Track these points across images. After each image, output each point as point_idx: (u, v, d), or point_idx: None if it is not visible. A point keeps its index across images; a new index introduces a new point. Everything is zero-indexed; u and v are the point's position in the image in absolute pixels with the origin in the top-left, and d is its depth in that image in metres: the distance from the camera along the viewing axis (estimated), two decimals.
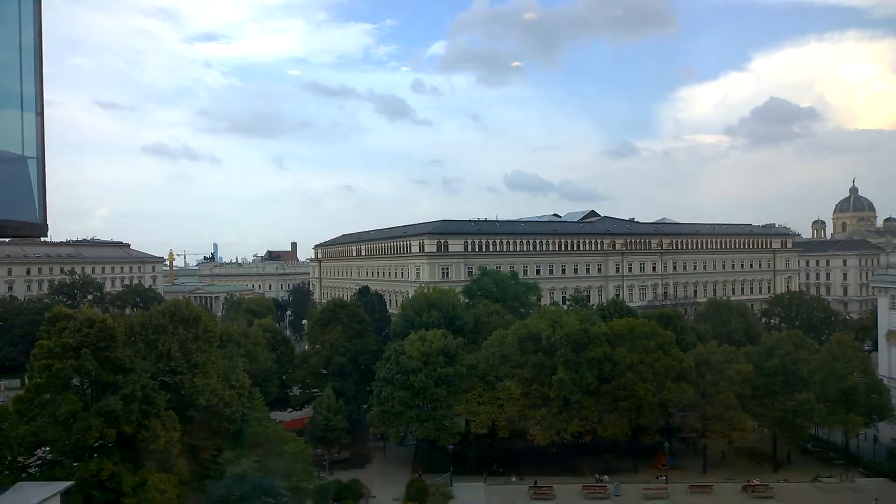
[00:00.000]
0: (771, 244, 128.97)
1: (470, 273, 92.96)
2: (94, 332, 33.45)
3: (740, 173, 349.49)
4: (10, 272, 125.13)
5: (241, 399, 41.60)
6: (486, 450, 57.45)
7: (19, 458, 33.28)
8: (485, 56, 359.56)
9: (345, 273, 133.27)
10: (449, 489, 50.28)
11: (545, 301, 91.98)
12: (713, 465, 56.68)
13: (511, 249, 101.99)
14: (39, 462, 34.39)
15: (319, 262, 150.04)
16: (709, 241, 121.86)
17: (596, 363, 51.64)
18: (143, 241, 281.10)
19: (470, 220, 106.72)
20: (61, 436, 32.28)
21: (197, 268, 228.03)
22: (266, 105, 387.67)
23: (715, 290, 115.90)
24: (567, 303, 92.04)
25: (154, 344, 39.83)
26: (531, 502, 49.42)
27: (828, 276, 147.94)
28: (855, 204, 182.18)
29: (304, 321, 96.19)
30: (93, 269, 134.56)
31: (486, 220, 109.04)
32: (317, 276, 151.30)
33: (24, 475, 32.00)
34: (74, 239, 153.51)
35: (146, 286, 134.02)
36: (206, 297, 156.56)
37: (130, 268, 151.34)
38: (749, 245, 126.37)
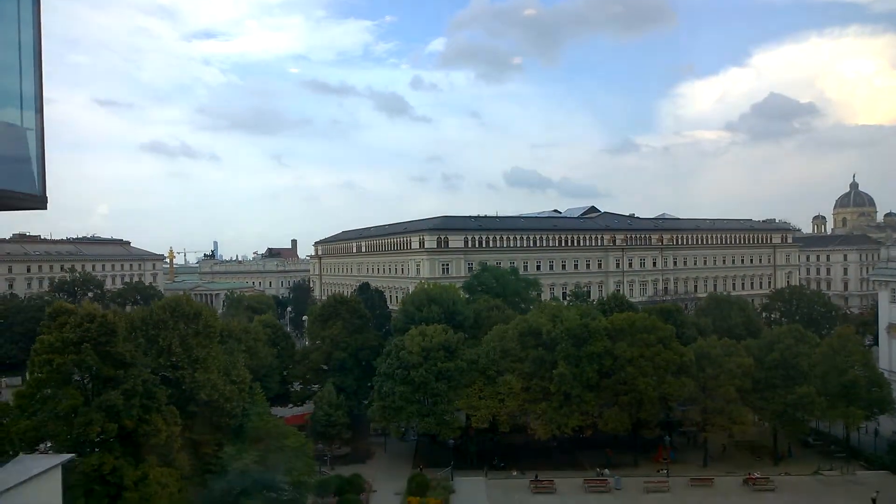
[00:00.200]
0: (771, 239, 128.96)
1: (470, 269, 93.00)
2: (95, 327, 33.39)
3: (740, 169, 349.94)
4: (10, 270, 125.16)
5: (241, 394, 41.55)
6: (487, 444, 57.54)
7: (21, 453, 33.26)
8: (484, 53, 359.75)
9: (345, 270, 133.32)
10: (450, 483, 50.30)
11: (545, 297, 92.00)
12: (714, 458, 56.72)
13: (511, 245, 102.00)
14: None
15: (320, 258, 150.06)
16: (709, 236, 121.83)
17: (596, 357, 51.65)
18: (144, 239, 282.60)
19: (470, 217, 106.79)
20: (62, 430, 32.28)
21: (197, 265, 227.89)
22: (265, 102, 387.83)
23: (715, 286, 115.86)
24: (567, 298, 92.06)
25: (155, 339, 39.78)
26: (532, 496, 49.44)
27: (828, 271, 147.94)
28: (855, 199, 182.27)
29: (305, 318, 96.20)
30: (93, 267, 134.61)
31: (486, 217, 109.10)
32: (317, 272, 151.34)
33: None
34: (74, 237, 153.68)
35: (146, 284, 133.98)
36: (206, 295, 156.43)
37: (131, 265, 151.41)
38: (749, 240, 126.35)
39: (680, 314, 65.30)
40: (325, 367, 63.59)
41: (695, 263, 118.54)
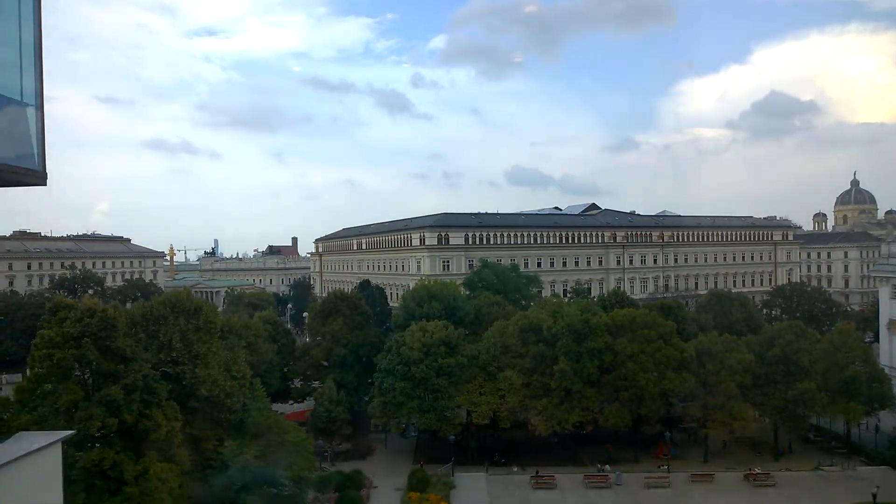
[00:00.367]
0: (772, 236, 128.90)
1: (471, 266, 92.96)
2: (95, 322, 33.34)
3: (741, 167, 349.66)
4: (10, 267, 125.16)
5: (242, 390, 41.56)
6: (488, 440, 57.55)
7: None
8: (485, 50, 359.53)
9: (346, 267, 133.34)
10: (450, 479, 50.30)
11: (546, 294, 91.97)
12: (714, 454, 56.73)
13: (512, 242, 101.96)
14: None
15: (320, 256, 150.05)
16: (710, 233, 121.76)
17: (597, 353, 51.59)
18: (144, 237, 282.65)
19: (471, 214, 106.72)
20: (63, 425, 32.24)
21: (198, 263, 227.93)
22: (266, 99, 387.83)
23: (716, 283, 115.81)
24: (568, 295, 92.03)
25: (155, 334, 39.75)
26: (533, 492, 49.46)
27: (829, 268, 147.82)
28: (856, 197, 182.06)
29: (305, 315, 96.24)
30: (93, 264, 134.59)
31: (486, 214, 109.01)
32: (317, 270, 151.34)
33: None
34: (75, 234, 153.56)
35: (147, 281, 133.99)
36: (206, 292, 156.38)
37: (131, 263, 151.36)
38: (750, 237, 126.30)
39: (681, 310, 65.23)
40: (326, 364, 63.58)
41: (695, 260, 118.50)
